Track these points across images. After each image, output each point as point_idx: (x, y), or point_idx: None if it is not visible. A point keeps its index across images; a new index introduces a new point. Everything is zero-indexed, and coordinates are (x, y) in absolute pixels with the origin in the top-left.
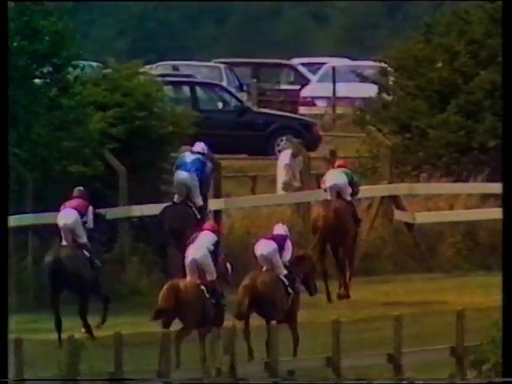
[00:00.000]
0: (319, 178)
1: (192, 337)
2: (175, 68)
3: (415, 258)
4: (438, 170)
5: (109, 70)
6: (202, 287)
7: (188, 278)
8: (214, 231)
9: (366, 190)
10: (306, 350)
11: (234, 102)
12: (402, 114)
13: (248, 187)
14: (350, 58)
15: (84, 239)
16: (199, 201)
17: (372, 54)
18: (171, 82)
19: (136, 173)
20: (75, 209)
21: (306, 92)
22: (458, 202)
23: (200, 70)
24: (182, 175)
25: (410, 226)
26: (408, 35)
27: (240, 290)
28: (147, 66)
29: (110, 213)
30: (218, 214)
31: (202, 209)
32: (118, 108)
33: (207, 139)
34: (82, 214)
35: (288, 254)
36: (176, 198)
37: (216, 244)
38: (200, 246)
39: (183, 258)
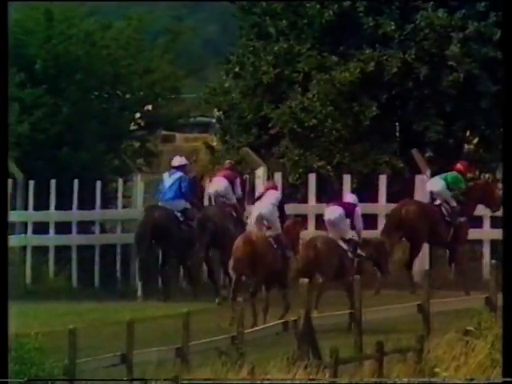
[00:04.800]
0: None
1: None
2: None
3: None
4: None
5: None
6: (270, 239)
7: (255, 231)
8: (277, 189)
9: None
10: None
11: None
12: None
13: None
14: None
15: (234, 200)
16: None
17: None
18: None
19: None
20: (225, 177)
21: None
22: None
23: None
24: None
25: None
26: None
27: (300, 250)
28: None
29: None
30: None
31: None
32: None
33: None
34: (231, 182)
35: (358, 222)
36: None
37: (281, 201)
38: (266, 202)
39: None
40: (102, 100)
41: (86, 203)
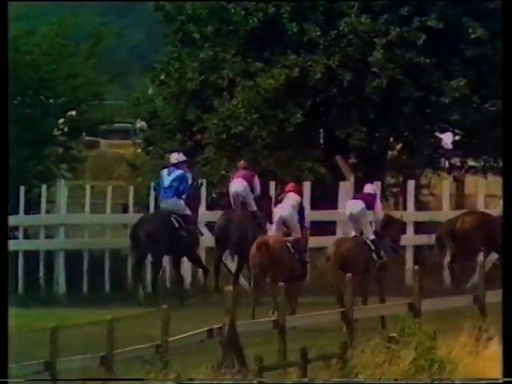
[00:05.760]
0: None
1: None
2: None
3: None
4: None
5: None
6: (288, 244)
7: (275, 234)
8: (297, 192)
9: None
10: None
11: None
12: None
13: None
14: None
15: (254, 206)
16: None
17: None
18: None
19: None
20: (243, 178)
21: None
22: None
23: None
24: (166, 205)
25: None
26: None
27: (327, 254)
28: None
29: None
30: None
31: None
32: None
33: None
34: (249, 182)
35: (379, 213)
36: None
37: (300, 203)
38: (287, 205)
39: None
40: (26, 105)
41: (10, 208)
